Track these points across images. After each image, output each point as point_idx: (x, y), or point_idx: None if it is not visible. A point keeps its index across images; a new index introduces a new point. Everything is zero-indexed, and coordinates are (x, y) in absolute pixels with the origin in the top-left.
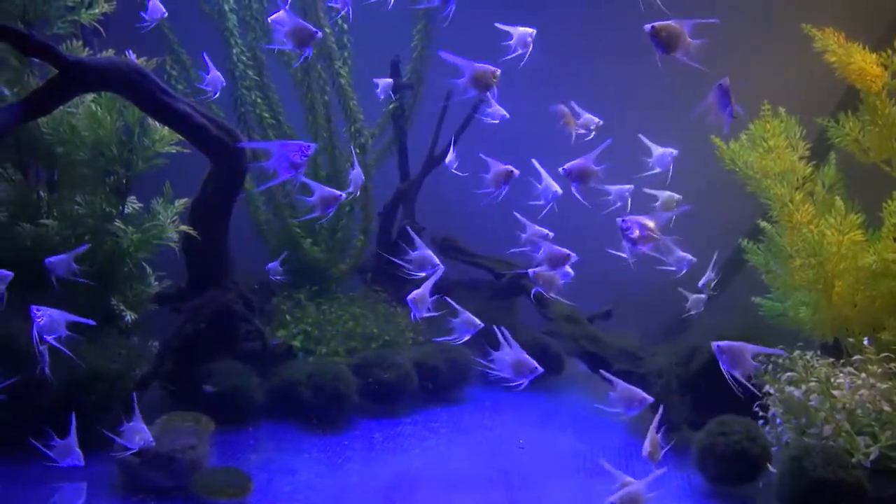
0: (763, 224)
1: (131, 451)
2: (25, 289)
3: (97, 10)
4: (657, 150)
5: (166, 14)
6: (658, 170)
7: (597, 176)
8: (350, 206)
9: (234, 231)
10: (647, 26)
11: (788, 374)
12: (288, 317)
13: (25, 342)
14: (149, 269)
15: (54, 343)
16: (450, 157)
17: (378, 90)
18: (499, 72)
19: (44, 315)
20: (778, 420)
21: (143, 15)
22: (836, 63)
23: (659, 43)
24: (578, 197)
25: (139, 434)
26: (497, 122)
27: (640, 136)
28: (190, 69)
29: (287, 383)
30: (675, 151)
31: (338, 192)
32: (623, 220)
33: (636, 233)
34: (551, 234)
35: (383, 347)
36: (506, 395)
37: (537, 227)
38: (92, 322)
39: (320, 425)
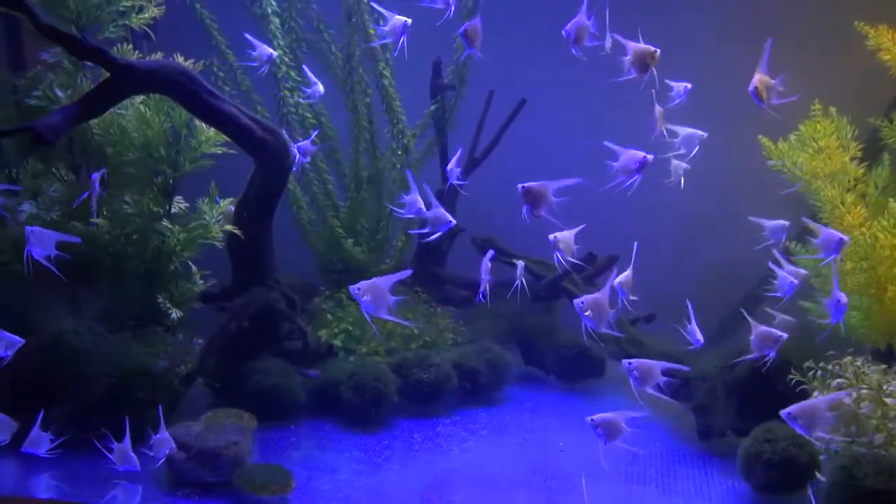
0: (810, 226)
1: (160, 462)
2: (77, 286)
3: (147, 15)
4: (684, 131)
5: (275, 55)
6: (683, 150)
7: (550, 205)
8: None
9: (276, 231)
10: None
11: (838, 380)
12: (329, 316)
13: (76, 339)
14: (194, 268)
15: (44, 262)
16: (451, 164)
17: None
18: (658, 52)
19: (34, 233)
20: None
21: (252, 53)
22: (891, 61)
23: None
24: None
25: (166, 444)
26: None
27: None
28: (237, 70)
29: (328, 382)
30: (704, 133)
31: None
32: (582, 301)
33: (588, 312)
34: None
35: (423, 348)
36: (545, 396)
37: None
38: (77, 239)
39: (360, 424)
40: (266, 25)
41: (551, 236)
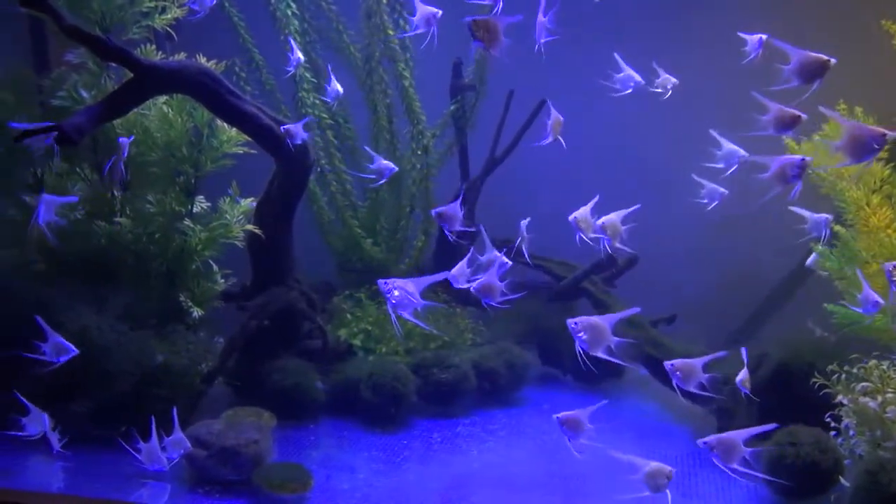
0: (836, 228)
1: (173, 462)
2: (99, 284)
3: (170, 16)
4: (726, 146)
5: (303, 59)
6: (722, 165)
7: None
8: (410, 207)
9: (295, 230)
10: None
11: (863, 384)
12: (349, 315)
13: (98, 335)
14: (215, 267)
15: (45, 229)
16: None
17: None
18: (833, 62)
19: (45, 200)
20: (851, 432)
21: (290, 56)
22: None
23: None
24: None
25: (180, 445)
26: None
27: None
28: (262, 70)
29: (347, 381)
30: (746, 154)
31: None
32: (575, 323)
33: (584, 336)
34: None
35: (442, 348)
36: (564, 397)
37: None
38: (75, 199)
39: (379, 424)
40: (284, 27)
41: (571, 217)
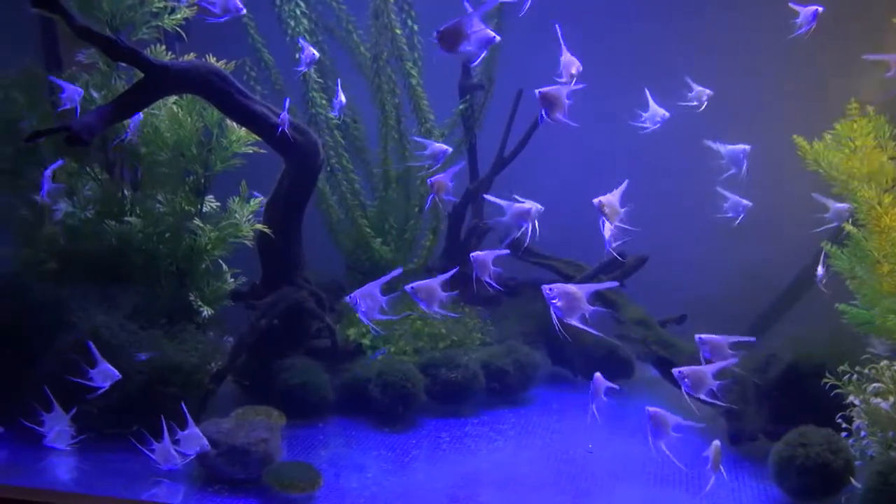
0: (848, 227)
1: (189, 458)
2: (109, 283)
3: (179, 16)
4: (726, 149)
5: (317, 56)
6: (733, 170)
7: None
8: (419, 207)
9: (304, 229)
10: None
11: (875, 385)
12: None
13: (109, 335)
14: (225, 267)
15: (47, 198)
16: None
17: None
18: None
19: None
20: (863, 433)
21: (303, 67)
22: None
23: None
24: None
25: (196, 441)
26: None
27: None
28: (272, 69)
29: (356, 380)
30: (747, 147)
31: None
32: (549, 289)
33: (559, 302)
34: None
35: (451, 347)
36: (573, 397)
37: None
38: (62, 162)
39: (388, 423)
40: (291, 29)
41: (595, 200)
